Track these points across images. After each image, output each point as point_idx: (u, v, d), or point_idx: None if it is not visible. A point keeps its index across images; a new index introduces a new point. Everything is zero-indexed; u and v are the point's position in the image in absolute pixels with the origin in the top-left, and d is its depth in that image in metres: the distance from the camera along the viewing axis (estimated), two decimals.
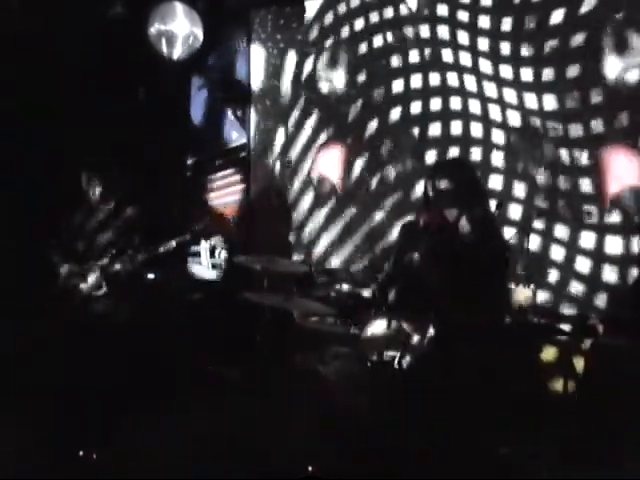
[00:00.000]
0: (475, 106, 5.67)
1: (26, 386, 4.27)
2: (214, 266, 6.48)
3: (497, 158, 5.54)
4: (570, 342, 4.46)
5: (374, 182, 6.11)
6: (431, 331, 3.69)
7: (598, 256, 5.13)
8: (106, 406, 4.11)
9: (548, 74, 5.39)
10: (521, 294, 4.42)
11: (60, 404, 4.10)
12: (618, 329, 4.42)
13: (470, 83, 5.70)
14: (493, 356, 3.53)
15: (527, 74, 5.46)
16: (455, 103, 5.75)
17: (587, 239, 5.18)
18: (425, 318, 3.73)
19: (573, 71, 5.29)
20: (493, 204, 3.98)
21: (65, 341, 4.56)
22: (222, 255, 6.30)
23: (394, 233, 5.64)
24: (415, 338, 3.77)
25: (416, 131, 5.92)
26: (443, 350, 3.60)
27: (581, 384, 4.25)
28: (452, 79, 5.78)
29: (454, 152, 5.66)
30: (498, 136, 5.57)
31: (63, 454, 3.74)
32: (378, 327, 3.95)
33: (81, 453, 3.76)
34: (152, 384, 4.45)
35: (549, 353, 4.37)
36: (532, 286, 4.50)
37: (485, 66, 5.64)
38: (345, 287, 5.19)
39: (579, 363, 4.39)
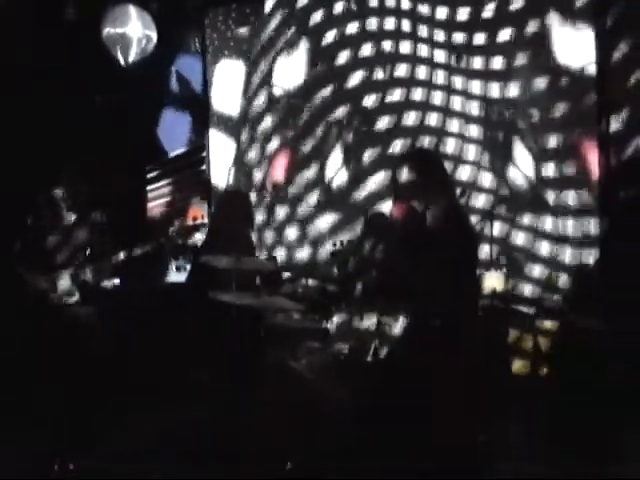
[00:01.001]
0: (437, 97, 5.75)
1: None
2: (178, 268, 6.45)
3: (459, 148, 5.62)
4: (536, 324, 4.54)
5: (337, 176, 6.14)
6: (404, 320, 3.72)
7: (558, 239, 5.24)
8: (79, 412, 4.10)
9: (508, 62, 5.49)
10: (493, 279, 4.48)
11: (37, 412, 4.08)
12: (582, 310, 4.50)
13: (430, 74, 5.79)
14: (466, 341, 3.56)
15: (490, 63, 5.57)
16: (417, 94, 5.82)
17: (548, 223, 5.28)
18: (397, 308, 3.76)
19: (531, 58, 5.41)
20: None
21: (38, 348, 4.52)
22: (186, 257, 6.26)
23: (357, 226, 5.70)
24: (388, 328, 3.80)
25: (377, 125, 5.97)
26: (417, 338, 3.63)
27: (549, 365, 4.32)
28: (414, 72, 5.85)
29: (416, 143, 5.71)
30: (460, 126, 5.65)
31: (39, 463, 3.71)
32: (348, 319, 3.98)
33: (56, 466, 3.73)
34: (124, 388, 4.43)
35: (517, 336, 4.44)
36: (503, 271, 4.57)
37: (442, 56, 5.73)
38: (311, 282, 5.21)
39: (545, 344, 4.47)
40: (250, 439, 3.78)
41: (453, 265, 3.46)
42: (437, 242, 3.52)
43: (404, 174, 3.73)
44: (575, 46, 5.24)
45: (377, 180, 5.89)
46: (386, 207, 3.91)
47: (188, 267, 6.29)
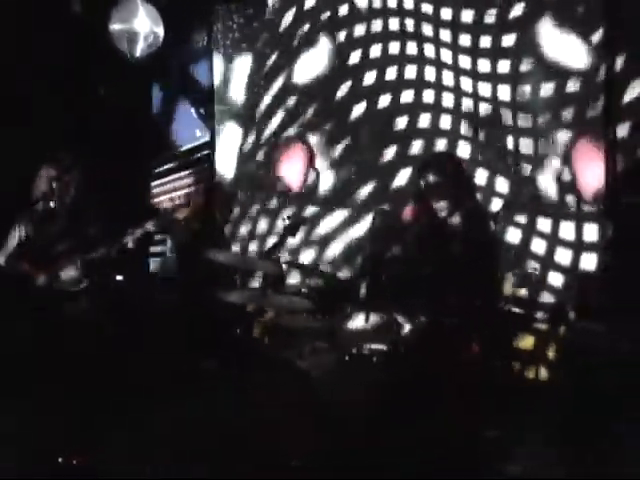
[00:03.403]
0: (448, 99, 5.73)
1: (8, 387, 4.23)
2: (181, 264, 6.44)
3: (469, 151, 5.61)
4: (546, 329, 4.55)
5: (342, 175, 6.17)
6: (415, 319, 3.71)
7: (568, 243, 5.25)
8: (83, 406, 4.08)
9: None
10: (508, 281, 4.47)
11: (42, 405, 4.07)
12: (591, 315, 4.51)
13: (445, 76, 5.76)
14: (481, 345, 3.57)
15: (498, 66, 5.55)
16: (428, 96, 5.81)
17: (561, 228, 5.28)
18: (408, 307, 3.76)
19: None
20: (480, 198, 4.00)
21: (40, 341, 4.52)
22: (190, 253, 6.25)
23: (364, 227, 5.72)
24: (401, 328, 3.79)
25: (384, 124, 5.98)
26: (429, 338, 3.63)
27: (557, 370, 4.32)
28: (426, 72, 5.83)
29: (432, 145, 5.71)
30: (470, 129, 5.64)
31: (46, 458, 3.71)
32: (358, 319, 3.97)
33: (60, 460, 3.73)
34: (128, 383, 4.42)
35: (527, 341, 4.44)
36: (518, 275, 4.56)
37: (462, 60, 5.70)
38: (317, 282, 5.20)
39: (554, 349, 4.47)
40: (255, 439, 3.78)
41: (473, 267, 3.46)
42: (457, 244, 3.52)
43: (427, 175, 3.73)
44: (582, 50, 5.24)
45: (391, 179, 5.91)
46: (398, 206, 3.90)
47: (191, 263, 6.30)
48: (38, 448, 3.77)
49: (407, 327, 3.81)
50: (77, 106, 6.10)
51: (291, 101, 6.41)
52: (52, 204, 4.89)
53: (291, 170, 6.42)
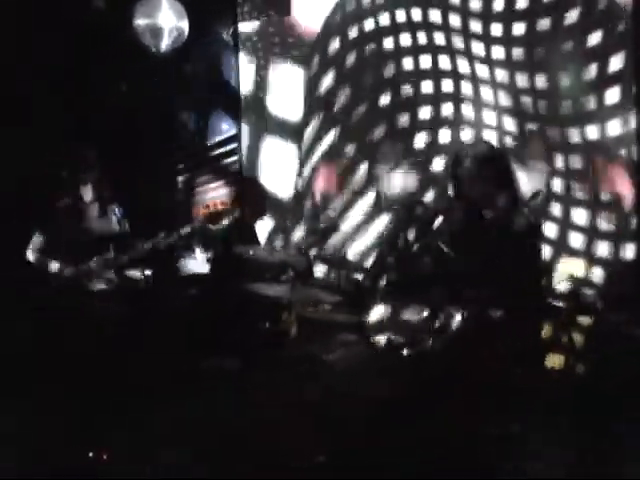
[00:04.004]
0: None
1: (27, 384, 4.24)
2: (209, 260, 6.44)
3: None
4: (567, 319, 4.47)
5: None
6: (457, 315, 3.63)
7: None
8: (105, 403, 4.09)
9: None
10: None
11: (62, 402, 4.09)
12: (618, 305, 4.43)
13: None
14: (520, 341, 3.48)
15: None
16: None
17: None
18: (448, 303, 3.67)
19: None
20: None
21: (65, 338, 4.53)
22: (217, 248, 6.25)
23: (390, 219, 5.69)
24: (437, 323, 3.73)
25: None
26: (469, 336, 3.56)
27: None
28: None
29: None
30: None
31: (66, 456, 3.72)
32: (386, 312, 3.93)
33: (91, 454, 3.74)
34: (154, 380, 4.42)
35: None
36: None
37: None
38: (345, 274, 5.18)
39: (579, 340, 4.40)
40: (279, 435, 3.76)
41: (515, 262, 3.37)
42: (500, 239, 3.44)
43: (467, 169, 3.60)
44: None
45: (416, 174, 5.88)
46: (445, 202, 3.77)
47: (218, 258, 6.30)
48: (67, 447, 3.79)
49: (440, 321, 3.73)
50: (102, 103, 6.10)
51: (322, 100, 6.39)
52: (79, 202, 4.89)
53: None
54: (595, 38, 5.19)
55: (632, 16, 5.00)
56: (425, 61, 5.94)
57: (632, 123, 5.05)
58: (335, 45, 6.29)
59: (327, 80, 6.35)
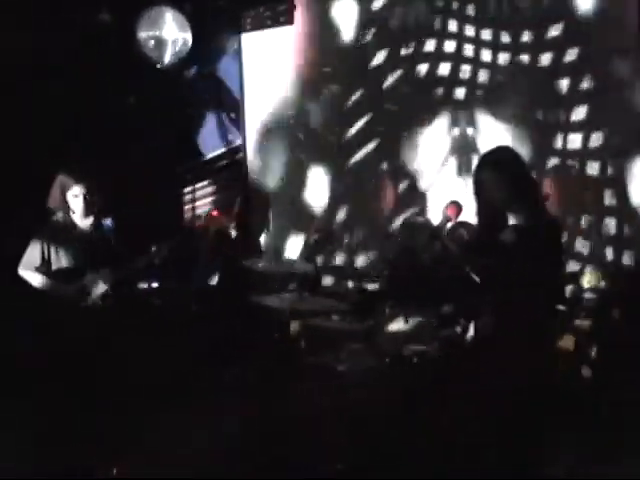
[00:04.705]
0: None
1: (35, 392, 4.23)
2: (213, 271, 6.42)
3: None
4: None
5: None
6: (473, 324, 3.63)
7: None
8: (113, 411, 4.10)
9: None
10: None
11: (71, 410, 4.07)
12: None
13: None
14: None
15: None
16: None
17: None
18: (465, 312, 3.67)
19: None
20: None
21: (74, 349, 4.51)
22: (222, 259, 6.24)
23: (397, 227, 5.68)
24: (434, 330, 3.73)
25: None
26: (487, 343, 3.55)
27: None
28: None
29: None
30: None
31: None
32: (399, 322, 3.92)
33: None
34: (162, 392, 4.40)
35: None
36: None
37: None
38: (352, 283, 5.17)
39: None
40: (290, 441, 3.74)
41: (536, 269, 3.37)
42: (521, 246, 3.44)
43: (485, 173, 3.62)
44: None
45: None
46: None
47: (224, 269, 6.29)
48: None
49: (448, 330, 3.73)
50: (104, 113, 6.09)
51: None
52: (79, 213, 4.82)
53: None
54: None
55: None
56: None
57: None
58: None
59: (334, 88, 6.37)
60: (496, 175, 3.57)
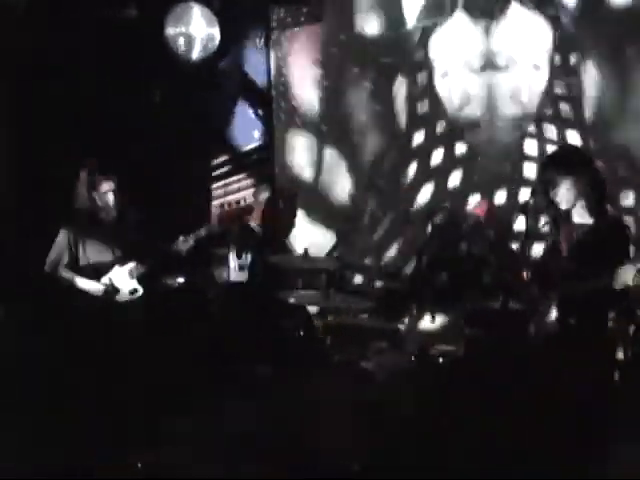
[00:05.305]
0: None
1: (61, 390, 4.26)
2: (241, 268, 6.42)
3: None
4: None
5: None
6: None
7: None
8: (140, 408, 4.11)
9: None
10: None
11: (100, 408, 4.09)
12: None
13: None
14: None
15: None
16: None
17: None
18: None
19: None
20: None
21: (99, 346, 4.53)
22: (249, 256, 6.24)
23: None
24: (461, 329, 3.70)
25: None
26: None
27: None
28: None
29: None
30: None
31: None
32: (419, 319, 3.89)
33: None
34: (187, 386, 4.41)
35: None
36: None
37: None
38: (380, 282, 5.14)
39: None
40: (316, 439, 3.73)
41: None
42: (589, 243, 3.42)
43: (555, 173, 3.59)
44: None
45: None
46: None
47: (251, 266, 6.29)
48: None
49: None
50: (132, 109, 6.12)
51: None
52: (107, 210, 4.84)
53: None
54: None
55: None
56: None
57: None
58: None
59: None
60: (563, 174, 3.57)
